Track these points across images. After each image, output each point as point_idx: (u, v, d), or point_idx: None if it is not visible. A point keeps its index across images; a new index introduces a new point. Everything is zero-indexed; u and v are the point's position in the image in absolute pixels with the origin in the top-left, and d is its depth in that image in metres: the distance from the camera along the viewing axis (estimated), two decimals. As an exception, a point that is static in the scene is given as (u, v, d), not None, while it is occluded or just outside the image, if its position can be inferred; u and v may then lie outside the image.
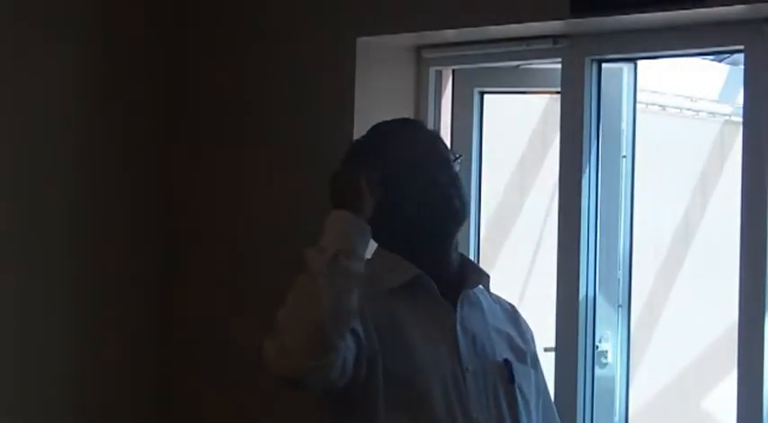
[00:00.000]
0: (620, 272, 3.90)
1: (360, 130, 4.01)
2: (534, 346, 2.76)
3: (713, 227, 6.48)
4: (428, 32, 4.01)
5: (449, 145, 2.90)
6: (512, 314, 2.76)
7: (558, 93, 3.91)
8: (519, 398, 2.62)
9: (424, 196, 2.59)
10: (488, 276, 2.70)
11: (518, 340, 2.70)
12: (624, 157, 3.91)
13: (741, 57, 3.64)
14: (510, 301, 2.82)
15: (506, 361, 2.63)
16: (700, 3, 3.40)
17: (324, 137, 4.10)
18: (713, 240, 6.33)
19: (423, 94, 4.20)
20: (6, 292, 4.16)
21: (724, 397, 4.75)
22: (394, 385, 2.51)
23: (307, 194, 4.13)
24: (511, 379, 2.61)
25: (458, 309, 2.61)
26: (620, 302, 3.90)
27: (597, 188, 3.85)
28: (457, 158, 2.67)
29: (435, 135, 2.75)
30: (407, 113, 4.18)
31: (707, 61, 6.26)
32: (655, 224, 6.14)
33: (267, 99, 4.29)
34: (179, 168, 4.50)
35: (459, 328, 2.60)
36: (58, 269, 4.28)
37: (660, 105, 6.36)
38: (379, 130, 2.73)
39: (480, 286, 2.69)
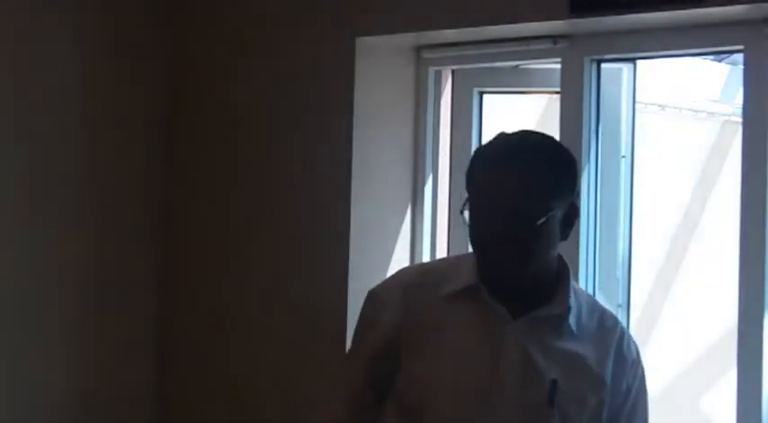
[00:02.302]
0: (620, 272, 3.90)
1: (359, 130, 4.02)
2: (611, 371, 2.57)
3: (713, 227, 6.47)
4: (428, 32, 4.00)
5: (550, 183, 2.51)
6: (602, 331, 2.60)
7: (557, 93, 3.91)
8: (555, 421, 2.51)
9: (471, 235, 2.54)
10: (564, 310, 2.54)
11: (591, 362, 2.55)
12: (624, 156, 3.90)
13: (741, 57, 3.63)
14: None
15: (553, 381, 2.50)
16: (699, 3, 3.40)
17: (324, 137, 4.10)
18: (712, 240, 6.33)
19: (422, 94, 4.20)
20: (7, 292, 4.17)
21: (724, 397, 4.75)
22: (407, 393, 2.53)
23: (306, 195, 4.13)
24: (550, 400, 2.49)
25: (517, 322, 2.52)
26: (620, 302, 3.89)
27: (597, 188, 3.85)
28: (537, 214, 2.45)
29: (528, 174, 2.47)
30: (407, 113, 4.18)
31: (707, 61, 6.26)
32: (654, 224, 6.13)
33: (267, 99, 4.28)
34: (179, 168, 4.50)
35: (509, 338, 2.51)
36: (57, 269, 4.28)
37: (660, 105, 6.35)
38: (486, 149, 2.59)
39: (573, 298, 2.56)
